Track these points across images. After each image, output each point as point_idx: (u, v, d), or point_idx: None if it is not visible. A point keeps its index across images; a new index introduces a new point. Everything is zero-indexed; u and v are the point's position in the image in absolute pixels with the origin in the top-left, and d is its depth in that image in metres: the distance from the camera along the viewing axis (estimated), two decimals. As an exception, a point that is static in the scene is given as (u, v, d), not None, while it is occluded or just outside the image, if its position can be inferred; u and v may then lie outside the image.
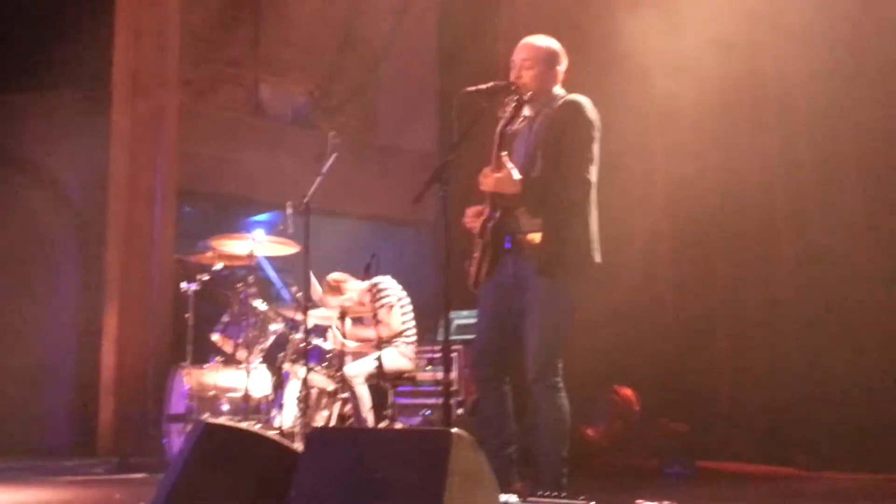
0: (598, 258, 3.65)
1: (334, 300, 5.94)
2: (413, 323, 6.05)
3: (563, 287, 3.58)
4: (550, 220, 3.57)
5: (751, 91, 6.35)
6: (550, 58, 3.75)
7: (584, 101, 3.69)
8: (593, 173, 3.64)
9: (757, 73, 6.32)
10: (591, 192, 3.65)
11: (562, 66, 3.79)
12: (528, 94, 3.69)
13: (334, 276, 6.11)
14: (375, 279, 5.91)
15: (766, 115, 6.32)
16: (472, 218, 3.73)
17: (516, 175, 3.53)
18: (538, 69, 3.71)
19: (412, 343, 6.01)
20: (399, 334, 5.88)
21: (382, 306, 5.77)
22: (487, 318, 3.74)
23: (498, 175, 3.53)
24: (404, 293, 6.07)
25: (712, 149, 6.35)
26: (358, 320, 6.14)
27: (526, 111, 3.76)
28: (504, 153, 3.58)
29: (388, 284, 5.99)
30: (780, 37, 6.13)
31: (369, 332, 5.90)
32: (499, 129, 3.61)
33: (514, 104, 3.58)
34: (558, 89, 3.77)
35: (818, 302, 5.87)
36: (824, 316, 5.85)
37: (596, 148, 3.66)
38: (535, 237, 3.58)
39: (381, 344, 5.46)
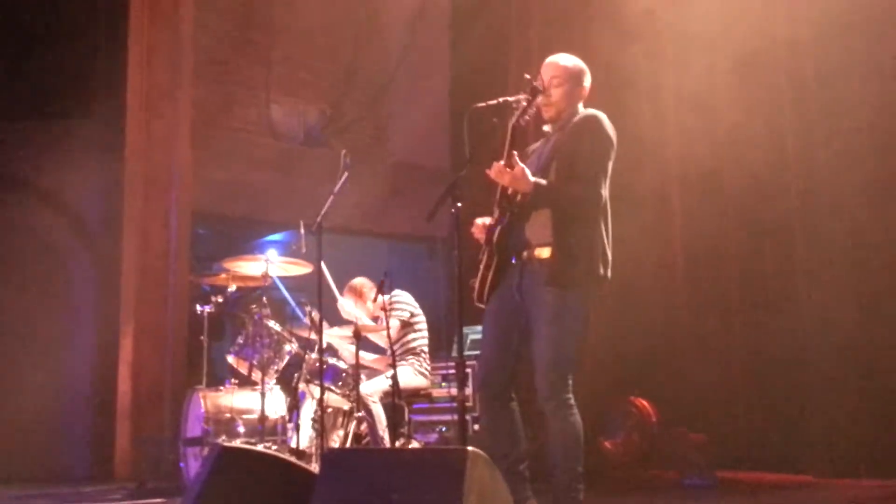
0: (604, 272, 3.59)
1: (355, 307, 5.97)
2: (426, 341, 6.05)
3: (571, 301, 3.53)
4: (560, 228, 3.53)
5: (768, 96, 6.34)
6: (578, 75, 3.78)
7: (602, 116, 3.70)
8: (605, 188, 3.61)
9: (773, 87, 6.31)
10: (603, 207, 3.63)
11: (587, 83, 3.80)
12: (551, 113, 3.73)
13: (358, 280, 6.16)
14: (393, 293, 5.93)
15: (785, 136, 6.27)
16: (480, 228, 3.72)
17: (529, 174, 3.50)
18: (567, 86, 3.73)
19: (426, 360, 6.01)
20: (397, 344, 5.88)
21: (393, 318, 5.78)
22: (492, 337, 3.71)
23: (512, 172, 3.49)
24: (420, 311, 6.08)
25: (728, 167, 6.34)
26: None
27: (546, 128, 3.79)
28: (515, 151, 3.55)
29: (405, 300, 6.00)
30: (798, 41, 6.14)
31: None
32: (511, 122, 3.58)
33: (525, 97, 3.54)
34: (580, 108, 3.77)
35: (834, 314, 5.83)
36: (840, 327, 5.81)
37: (610, 165, 3.64)
38: (542, 252, 3.56)
39: (394, 361, 5.45)
